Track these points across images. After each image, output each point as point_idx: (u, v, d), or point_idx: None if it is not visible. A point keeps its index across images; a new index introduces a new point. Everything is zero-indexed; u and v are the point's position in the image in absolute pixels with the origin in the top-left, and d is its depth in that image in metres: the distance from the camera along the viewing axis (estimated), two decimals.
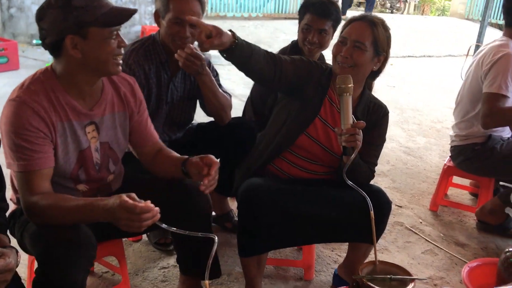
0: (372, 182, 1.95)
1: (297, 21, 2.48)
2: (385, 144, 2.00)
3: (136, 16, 7.62)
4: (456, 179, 3.13)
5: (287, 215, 1.77)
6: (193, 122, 2.36)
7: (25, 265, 1.88)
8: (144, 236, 2.37)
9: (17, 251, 1.33)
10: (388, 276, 1.61)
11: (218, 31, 1.61)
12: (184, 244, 1.83)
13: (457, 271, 2.34)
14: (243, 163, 2.06)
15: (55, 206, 1.38)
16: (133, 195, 1.32)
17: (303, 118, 1.89)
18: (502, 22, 5.22)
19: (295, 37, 2.52)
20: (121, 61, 1.51)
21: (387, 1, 15.26)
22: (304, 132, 1.89)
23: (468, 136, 2.63)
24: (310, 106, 1.90)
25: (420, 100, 5.64)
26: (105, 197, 1.38)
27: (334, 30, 2.41)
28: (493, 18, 10.42)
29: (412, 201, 3.08)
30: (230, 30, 1.68)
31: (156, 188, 1.69)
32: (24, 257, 1.63)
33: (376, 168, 1.97)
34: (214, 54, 6.42)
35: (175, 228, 1.38)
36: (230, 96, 2.23)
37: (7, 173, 1.50)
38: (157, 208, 1.32)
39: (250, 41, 1.76)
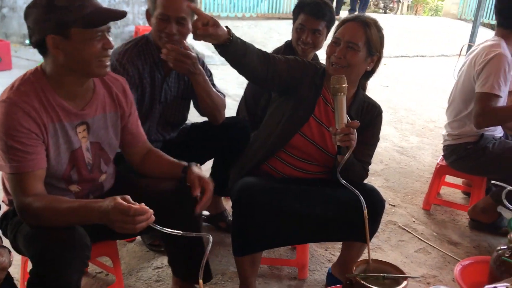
0: (365, 182, 1.96)
1: (291, 21, 2.49)
2: (378, 144, 2.01)
3: (129, 16, 7.61)
4: (448, 178, 3.15)
5: (282, 214, 1.77)
6: (187, 122, 2.36)
7: (18, 266, 1.87)
8: (138, 237, 2.37)
9: (9, 251, 1.32)
10: (382, 274, 1.61)
11: (215, 22, 1.63)
12: (175, 248, 1.83)
13: (449, 269, 2.36)
14: (237, 163, 2.06)
15: (48, 207, 1.37)
16: (128, 197, 1.32)
17: (298, 117, 1.90)
18: (494, 22, 5.26)
19: (289, 37, 2.52)
20: (108, 63, 1.49)
21: (381, 1, 15.31)
22: (299, 132, 1.89)
23: (460, 135, 2.65)
24: (305, 106, 1.90)
25: (413, 99, 5.67)
26: (98, 198, 1.38)
27: (328, 31, 2.41)
28: (485, 18, 10.49)
29: (405, 200, 3.10)
30: (226, 27, 1.68)
31: (149, 188, 1.69)
32: (17, 257, 1.62)
33: (370, 167, 1.98)
34: (207, 55, 6.45)
35: (169, 230, 1.36)
36: (224, 96, 2.23)
37: None
38: (151, 211, 1.31)
39: None
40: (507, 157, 2.50)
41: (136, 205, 1.30)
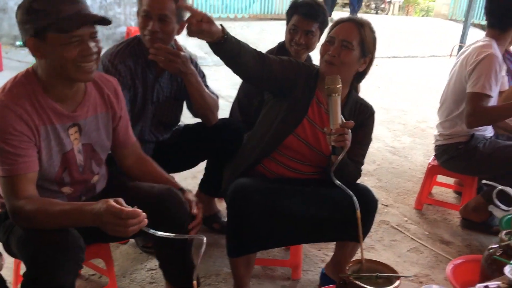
0: (358, 182, 1.97)
1: (283, 21, 2.50)
2: (371, 144, 2.02)
3: (121, 17, 7.60)
4: (440, 178, 3.17)
5: (276, 215, 1.77)
6: (180, 124, 2.35)
7: (10, 269, 1.86)
8: (132, 239, 2.36)
9: (0, 254, 1.31)
10: (374, 274, 1.62)
11: (209, 19, 1.63)
12: (166, 253, 1.79)
13: (442, 268, 2.37)
14: (230, 164, 2.06)
15: (41, 210, 1.37)
16: (121, 200, 1.31)
17: (292, 118, 1.90)
18: (484, 22, 5.31)
19: (281, 38, 2.53)
20: (92, 68, 1.46)
21: (372, 2, 15.38)
22: (293, 133, 1.90)
23: (452, 135, 2.67)
24: (298, 107, 1.91)
25: (405, 100, 5.71)
26: (91, 200, 1.37)
27: (321, 32, 2.42)
28: (476, 18, 10.58)
29: (397, 200, 3.12)
30: (221, 25, 1.68)
31: (142, 190, 1.68)
32: (9, 260, 1.61)
33: (363, 167, 1.99)
34: (200, 56, 6.44)
35: (162, 233, 1.35)
36: (217, 97, 2.23)
37: None
38: (144, 214, 1.31)
39: None
40: (498, 156, 2.52)
41: (129, 208, 1.29)
